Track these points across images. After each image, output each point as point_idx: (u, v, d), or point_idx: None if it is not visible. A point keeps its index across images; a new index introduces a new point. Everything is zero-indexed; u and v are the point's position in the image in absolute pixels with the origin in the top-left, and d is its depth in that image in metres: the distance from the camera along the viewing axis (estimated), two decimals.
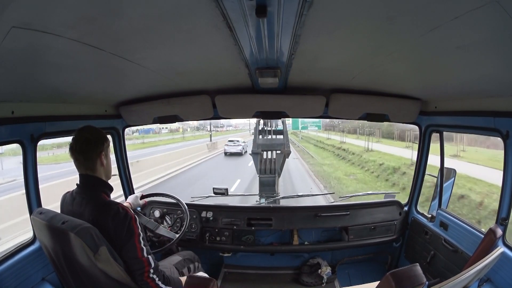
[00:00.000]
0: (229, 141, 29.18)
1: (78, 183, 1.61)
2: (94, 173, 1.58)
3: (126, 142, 2.88)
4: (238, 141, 28.59)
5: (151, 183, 14.69)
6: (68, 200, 1.62)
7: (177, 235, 2.34)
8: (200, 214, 2.85)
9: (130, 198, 2.42)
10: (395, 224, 2.83)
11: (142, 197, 2.44)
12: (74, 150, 1.55)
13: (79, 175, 1.60)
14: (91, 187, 1.58)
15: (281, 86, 2.23)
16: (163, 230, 2.37)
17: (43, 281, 1.84)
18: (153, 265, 1.52)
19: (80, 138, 1.56)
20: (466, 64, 1.40)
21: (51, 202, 2.20)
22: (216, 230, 2.83)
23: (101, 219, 1.47)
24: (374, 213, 2.84)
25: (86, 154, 1.56)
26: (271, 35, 1.22)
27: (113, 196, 1.67)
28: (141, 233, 1.51)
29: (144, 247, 1.50)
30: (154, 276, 1.52)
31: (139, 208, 2.54)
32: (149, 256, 1.52)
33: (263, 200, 5.10)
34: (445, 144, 2.53)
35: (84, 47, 1.13)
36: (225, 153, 27.29)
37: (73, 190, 1.64)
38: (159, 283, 1.53)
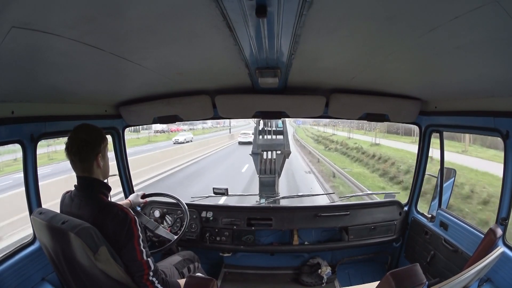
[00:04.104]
0: None
1: (76, 184, 1.59)
2: (91, 175, 1.55)
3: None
4: None
5: None
6: (67, 202, 1.60)
7: (176, 237, 2.35)
8: (200, 214, 2.85)
9: (132, 196, 2.43)
10: (395, 224, 2.83)
11: (144, 196, 2.45)
12: (70, 151, 1.51)
13: (77, 176, 1.57)
14: (89, 189, 1.55)
15: (281, 86, 2.23)
16: (163, 230, 2.38)
17: (43, 281, 1.84)
18: (152, 267, 1.51)
19: (76, 139, 1.51)
20: (466, 64, 1.40)
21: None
22: (216, 230, 2.83)
23: (100, 220, 1.46)
24: (374, 213, 2.84)
25: (82, 156, 1.51)
26: (271, 35, 1.22)
27: (112, 193, 1.66)
28: (140, 235, 1.49)
29: (143, 250, 1.49)
30: (154, 279, 1.51)
31: (139, 208, 2.55)
32: (148, 259, 1.50)
33: (263, 200, 5.10)
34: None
35: (84, 47, 1.13)
36: None
37: (71, 191, 1.62)
38: (158, 285, 1.52)
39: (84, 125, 1.56)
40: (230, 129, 48.51)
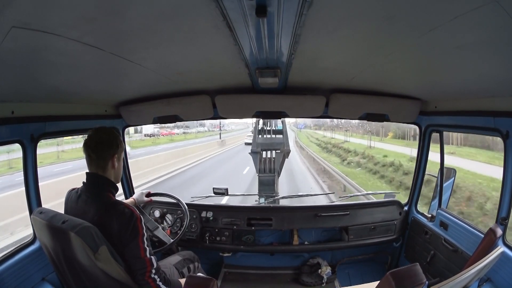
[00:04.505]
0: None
1: (85, 181, 1.62)
2: (104, 173, 1.59)
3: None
4: None
5: None
6: (73, 198, 1.62)
7: (172, 240, 2.36)
8: (200, 214, 2.85)
9: (136, 194, 2.45)
10: (395, 224, 2.83)
11: (148, 195, 2.46)
12: (89, 146, 1.57)
13: (87, 174, 1.61)
14: (98, 186, 1.59)
15: (281, 86, 2.23)
16: (161, 233, 2.39)
17: (43, 281, 1.84)
18: (155, 265, 1.53)
19: (96, 136, 1.59)
20: (466, 64, 1.40)
21: None
22: (216, 230, 2.83)
23: (105, 218, 1.48)
24: (374, 213, 2.84)
25: (100, 152, 1.58)
26: (271, 35, 1.23)
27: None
28: (145, 234, 1.52)
29: (147, 248, 1.51)
30: (156, 277, 1.52)
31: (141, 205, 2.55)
32: (151, 257, 1.52)
33: (262, 200, 5.10)
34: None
35: (84, 47, 1.13)
36: None
37: (78, 188, 1.64)
38: (160, 283, 1.53)
39: (104, 127, 1.66)
40: (220, 134, 41.27)
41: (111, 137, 1.61)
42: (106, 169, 1.59)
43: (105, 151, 1.58)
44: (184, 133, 47.37)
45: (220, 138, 38.29)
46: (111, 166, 1.60)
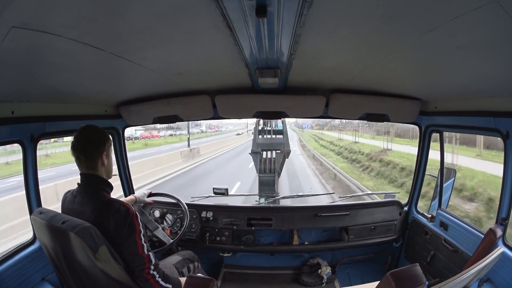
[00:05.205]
0: None
1: (79, 182, 1.61)
2: (95, 172, 1.59)
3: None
4: None
5: None
6: (69, 199, 1.62)
7: (172, 240, 2.36)
8: (200, 214, 2.85)
9: (138, 193, 2.43)
10: (395, 224, 2.83)
11: (150, 195, 2.45)
12: (76, 149, 1.56)
13: (80, 174, 1.60)
14: (92, 186, 1.59)
15: (281, 86, 2.23)
16: (161, 233, 2.39)
17: (43, 281, 1.85)
18: (153, 261, 1.53)
19: (82, 137, 1.57)
20: (466, 64, 1.40)
21: None
22: (216, 230, 2.83)
23: (102, 216, 1.48)
24: (374, 213, 2.84)
25: (88, 153, 1.56)
26: (271, 35, 1.23)
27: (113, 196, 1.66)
28: (142, 230, 1.52)
29: (144, 244, 1.51)
30: (154, 273, 1.52)
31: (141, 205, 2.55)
32: (149, 253, 1.52)
33: (262, 200, 5.10)
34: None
35: (84, 47, 1.14)
36: None
37: (74, 189, 1.64)
38: (159, 280, 1.53)
39: (89, 126, 1.62)
40: (188, 139, 27.04)
41: (97, 136, 1.59)
42: (97, 168, 1.59)
43: (93, 150, 1.57)
44: (171, 135, 42.13)
45: (188, 146, 24.40)
46: (101, 164, 1.59)
